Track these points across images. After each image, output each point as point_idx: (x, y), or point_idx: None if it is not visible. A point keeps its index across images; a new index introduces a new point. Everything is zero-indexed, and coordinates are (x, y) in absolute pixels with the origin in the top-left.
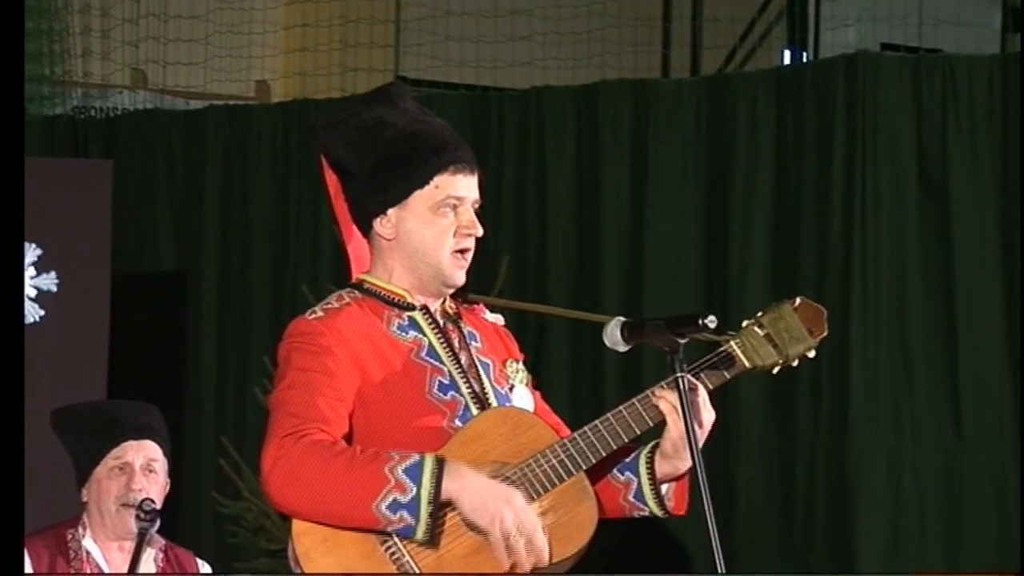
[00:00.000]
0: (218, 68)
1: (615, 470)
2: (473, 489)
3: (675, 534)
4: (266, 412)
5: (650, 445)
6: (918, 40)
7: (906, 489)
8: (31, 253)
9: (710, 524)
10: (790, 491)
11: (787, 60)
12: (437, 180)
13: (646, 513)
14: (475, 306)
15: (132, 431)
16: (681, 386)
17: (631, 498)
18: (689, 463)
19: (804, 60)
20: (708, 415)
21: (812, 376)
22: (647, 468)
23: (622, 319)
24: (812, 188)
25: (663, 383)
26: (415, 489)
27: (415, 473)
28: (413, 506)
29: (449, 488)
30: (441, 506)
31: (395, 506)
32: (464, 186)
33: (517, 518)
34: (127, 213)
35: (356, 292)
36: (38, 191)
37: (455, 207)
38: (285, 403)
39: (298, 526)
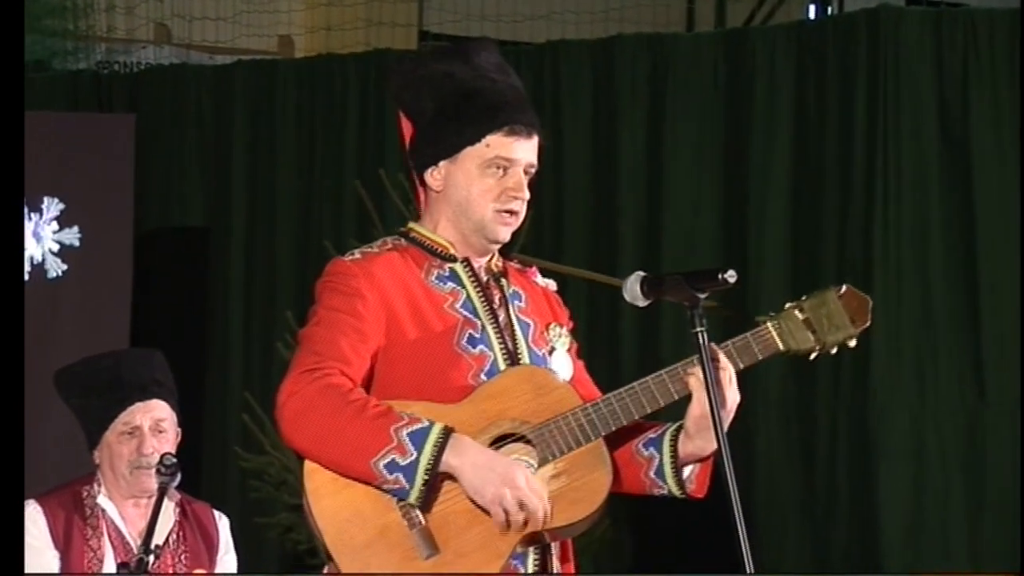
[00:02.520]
0: (243, 23)
1: (640, 444)
2: (475, 468)
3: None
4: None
5: (678, 423)
6: None
7: (929, 448)
8: (54, 208)
9: (736, 514)
10: (811, 451)
11: (812, 15)
12: (489, 139)
13: (665, 492)
14: (528, 268)
15: (137, 391)
16: (701, 340)
17: (652, 474)
18: (714, 445)
19: (829, 12)
20: (733, 395)
21: None
22: (671, 446)
23: (642, 274)
24: (833, 143)
25: (693, 358)
26: (415, 455)
27: (419, 439)
28: (409, 471)
29: (450, 463)
30: (442, 476)
31: (392, 466)
32: (517, 149)
33: (518, 497)
34: (153, 169)
35: (401, 240)
36: (61, 145)
37: (505, 168)
38: (310, 339)
39: (308, 465)
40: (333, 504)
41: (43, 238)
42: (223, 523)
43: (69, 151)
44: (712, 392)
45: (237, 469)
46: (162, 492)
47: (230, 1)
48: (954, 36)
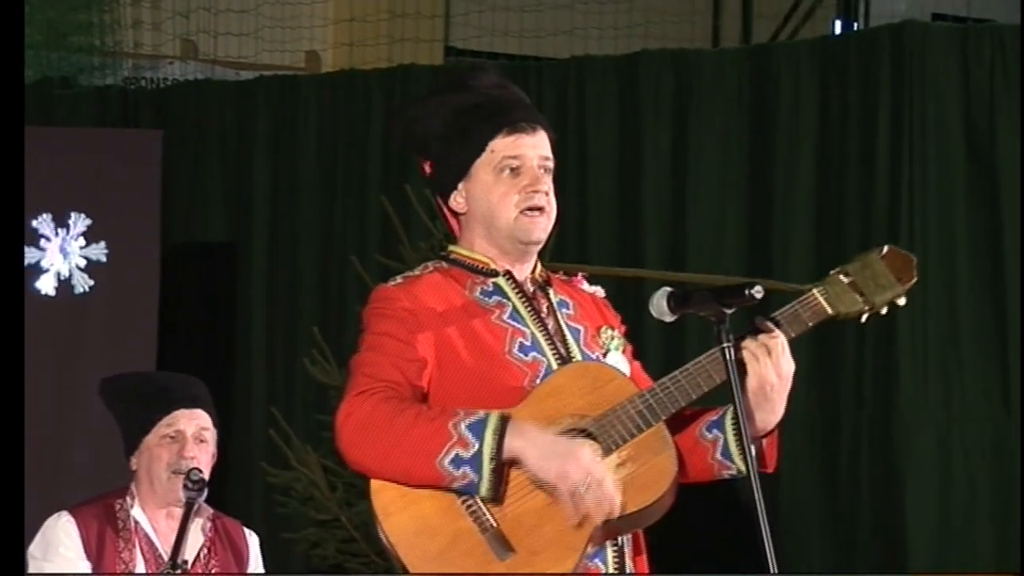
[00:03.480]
0: (268, 39)
1: (703, 428)
2: (537, 446)
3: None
4: (314, 383)
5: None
6: (967, 11)
7: (955, 461)
8: (81, 223)
9: (761, 515)
10: (835, 465)
11: (838, 31)
12: (492, 145)
13: (734, 472)
14: (573, 277)
15: (184, 400)
16: (728, 356)
17: (718, 456)
18: (777, 418)
19: (854, 28)
20: (788, 365)
21: (856, 347)
22: (733, 423)
23: (669, 289)
24: (857, 159)
25: (748, 334)
26: (477, 445)
27: (478, 429)
28: (475, 462)
29: (512, 445)
30: (509, 462)
31: (457, 461)
32: (523, 145)
33: (583, 472)
34: (177, 184)
35: (442, 263)
36: (88, 161)
37: (516, 167)
38: (361, 364)
39: (374, 483)
40: (402, 519)
41: (70, 253)
42: (253, 540)
43: (96, 167)
44: (738, 402)
45: (263, 484)
46: (189, 507)
47: (255, 17)
48: (981, 52)
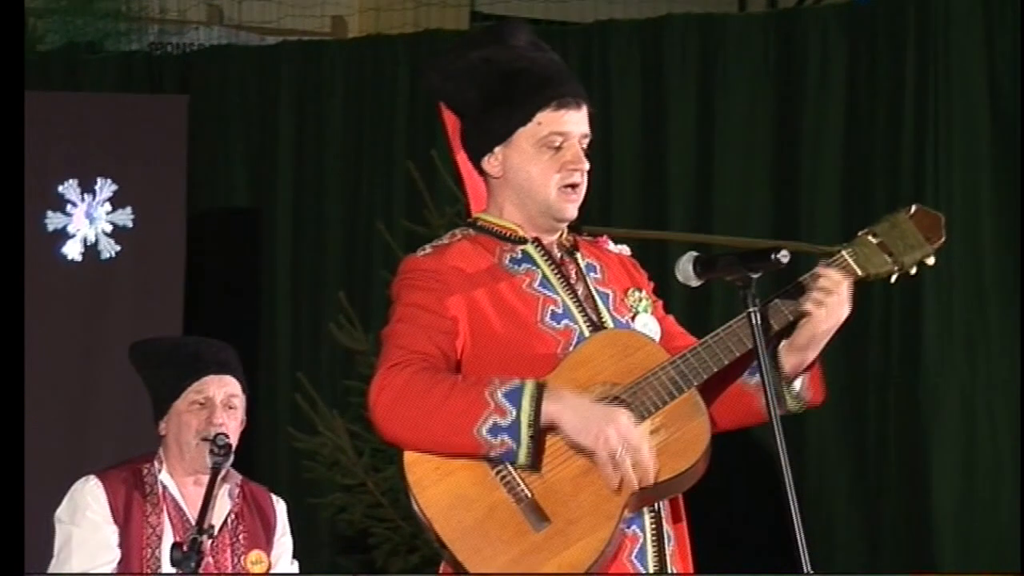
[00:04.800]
0: (292, 4)
1: (746, 375)
2: (574, 410)
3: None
4: (339, 347)
5: (778, 343)
6: None
7: (980, 422)
8: (107, 189)
9: (787, 479)
10: (862, 429)
11: None
12: (539, 117)
13: (782, 411)
14: (599, 238)
15: (214, 366)
16: (754, 320)
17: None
18: (815, 354)
19: None
20: (846, 311)
21: (884, 312)
22: (775, 365)
23: (694, 254)
24: (883, 123)
25: (823, 264)
26: (515, 412)
27: (515, 397)
28: (513, 429)
29: (549, 411)
30: (545, 431)
31: (495, 430)
32: (569, 121)
33: (621, 435)
34: (202, 149)
35: (470, 230)
36: (113, 127)
37: (560, 143)
38: (393, 336)
39: (408, 456)
40: (437, 492)
41: (96, 219)
42: (281, 507)
43: (122, 132)
44: (764, 367)
45: (289, 449)
46: (215, 472)
47: None
48: (1005, 12)
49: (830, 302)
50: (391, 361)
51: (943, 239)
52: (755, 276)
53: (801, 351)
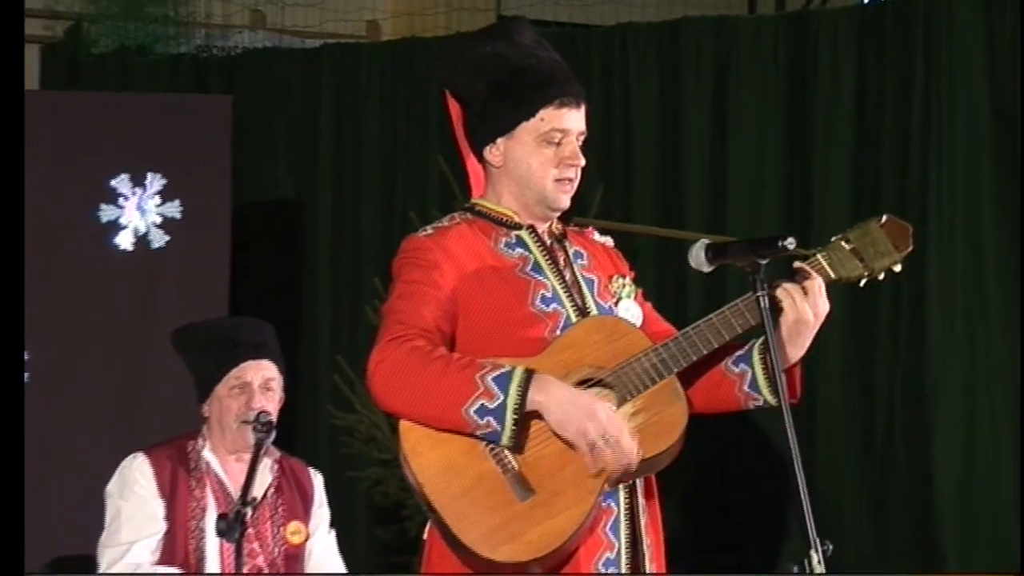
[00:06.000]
0: (331, 9)
1: (730, 363)
2: (558, 403)
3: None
4: (376, 330)
5: (762, 338)
6: None
7: (980, 405)
8: (156, 183)
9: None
10: (870, 409)
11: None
12: (542, 113)
13: (761, 403)
14: (586, 229)
15: (251, 350)
16: (762, 304)
17: (746, 388)
18: (800, 353)
19: None
20: (824, 306)
21: (892, 303)
22: (760, 358)
23: (707, 241)
24: (891, 122)
25: (752, 293)
26: (502, 397)
27: (503, 382)
28: (499, 413)
29: (535, 400)
30: (529, 414)
31: (482, 411)
32: (568, 119)
33: (601, 428)
34: (247, 146)
35: (468, 214)
36: (163, 125)
37: (559, 139)
38: (393, 311)
39: (403, 424)
40: (429, 459)
41: (147, 211)
42: (318, 479)
43: (170, 130)
44: (773, 347)
45: (328, 427)
46: (258, 448)
47: None
48: (1004, 14)
49: (799, 298)
50: (390, 335)
51: (910, 247)
52: (763, 262)
53: (783, 346)
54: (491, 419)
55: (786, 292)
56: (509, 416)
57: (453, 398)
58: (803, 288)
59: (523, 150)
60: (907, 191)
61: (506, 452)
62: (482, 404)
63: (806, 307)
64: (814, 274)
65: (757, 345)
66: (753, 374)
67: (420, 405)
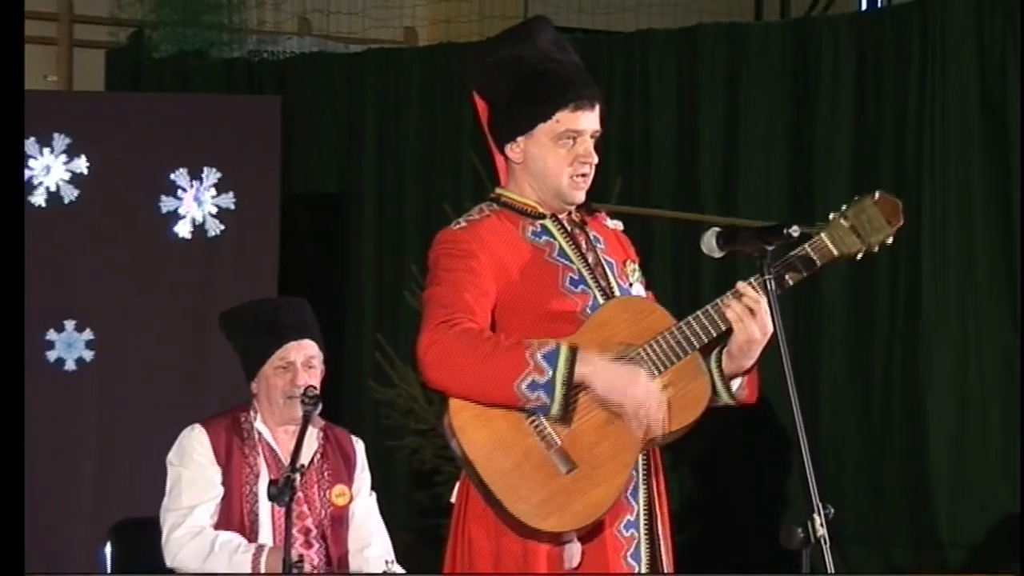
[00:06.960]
0: (373, 16)
1: (710, 358)
2: (604, 372)
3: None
4: (415, 312)
5: (718, 348)
6: None
7: (971, 375)
8: (212, 176)
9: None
10: (869, 381)
11: (864, 5)
12: (559, 115)
13: (720, 403)
14: (598, 214)
15: (293, 331)
16: (769, 286)
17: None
18: (751, 362)
19: (879, 4)
20: (770, 325)
21: (890, 278)
22: (717, 366)
23: (717, 229)
24: (889, 119)
25: (751, 279)
26: (551, 372)
27: (552, 358)
28: (549, 386)
29: (582, 372)
30: (574, 388)
31: (533, 386)
32: (583, 120)
33: (644, 393)
34: (296, 143)
35: (494, 205)
36: (218, 123)
37: (574, 139)
38: (436, 297)
39: (454, 403)
40: (479, 436)
41: (204, 202)
42: (359, 446)
43: (225, 128)
44: (777, 322)
45: (370, 400)
46: (306, 419)
47: None
48: (994, 20)
49: (747, 320)
50: (438, 319)
51: (902, 222)
52: (770, 248)
53: (735, 359)
54: (541, 393)
55: (736, 315)
56: (559, 389)
57: (505, 375)
58: (750, 309)
59: (541, 149)
60: (903, 183)
61: (548, 429)
62: (532, 379)
63: (755, 328)
64: (760, 295)
65: (713, 356)
66: (712, 379)
67: (473, 383)
